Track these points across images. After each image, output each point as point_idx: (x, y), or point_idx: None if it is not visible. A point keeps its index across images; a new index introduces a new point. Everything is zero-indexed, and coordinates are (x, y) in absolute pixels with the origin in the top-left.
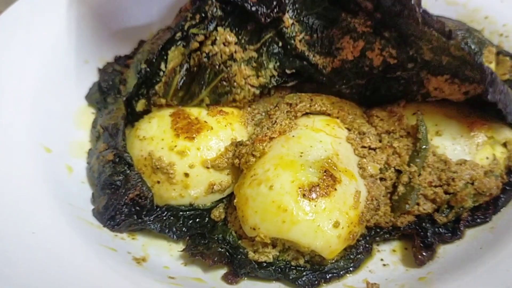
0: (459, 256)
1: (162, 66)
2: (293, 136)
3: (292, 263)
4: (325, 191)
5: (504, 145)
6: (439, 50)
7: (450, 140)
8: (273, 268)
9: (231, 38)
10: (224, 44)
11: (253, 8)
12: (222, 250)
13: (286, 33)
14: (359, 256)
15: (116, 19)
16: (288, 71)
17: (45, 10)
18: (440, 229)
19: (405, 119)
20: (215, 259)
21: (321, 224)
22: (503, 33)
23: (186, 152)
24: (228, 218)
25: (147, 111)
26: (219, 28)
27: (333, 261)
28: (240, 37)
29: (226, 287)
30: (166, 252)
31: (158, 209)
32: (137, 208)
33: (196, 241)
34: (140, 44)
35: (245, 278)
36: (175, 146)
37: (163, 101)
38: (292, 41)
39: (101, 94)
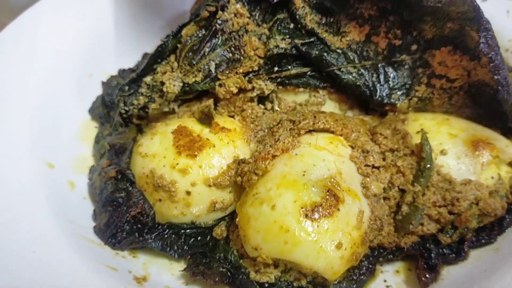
0: (463, 278)
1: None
2: (296, 154)
3: (294, 284)
4: (327, 211)
5: (510, 164)
6: (441, 20)
7: (455, 160)
8: None
9: (243, 11)
10: (235, 15)
11: None
12: (223, 269)
13: (297, 14)
14: (362, 277)
15: (119, 32)
16: (297, 41)
17: (49, 24)
18: (444, 249)
19: (409, 137)
20: (217, 279)
21: (323, 245)
22: (508, 48)
23: (188, 170)
24: (230, 236)
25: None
26: (232, 1)
27: (336, 282)
28: (253, 14)
29: None
30: (167, 271)
31: (160, 227)
32: (139, 226)
33: (198, 260)
34: (144, 57)
35: None
36: (177, 164)
37: (175, 64)
38: (303, 20)
39: (104, 108)
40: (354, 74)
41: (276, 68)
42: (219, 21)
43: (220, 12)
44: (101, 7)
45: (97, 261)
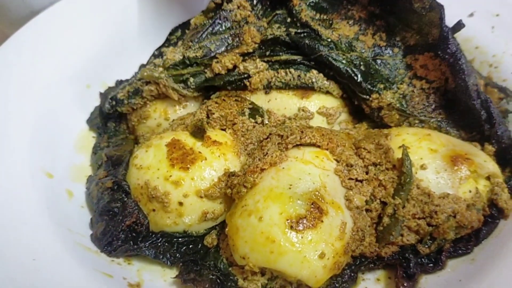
0: (440, 287)
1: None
2: (283, 168)
3: None
4: (312, 223)
5: (488, 178)
6: (425, 29)
7: (434, 174)
8: None
9: (246, 4)
10: (238, 7)
11: None
12: (213, 277)
13: (293, 9)
14: (344, 285)
15: (116, 44)
16: (291, 30)
17: (49, 36)
18: (422, 259)
19: (392, 152)
20: (206, 286)
21: (307, 255)
22: (492, 64)
23: (181, 182)
24: (220, 244)
25: None
26: None
27: None
28: (255, 8)
29: None
30: (160, 278)
31: (153, 235)
32: (133, 234)
33: (189, 267)
34: (140, 68)
35: None
36: (170, 176)
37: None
38: (298, 15)
39: (102, 119)
40: (344, 62)
41: (268, 52)
42: (224, 10)
43: (225, 4)
44: (98, 20)
45: (94, 268)
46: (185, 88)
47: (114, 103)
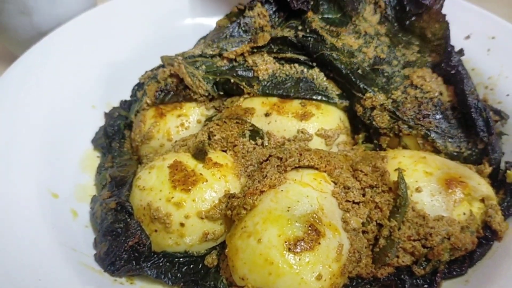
0: None
1: None
2: (282, 190)
3: None
4: (309, 245)
5: (482, 201)
6: (425, 51)
7: (429, 197)
8: None
9: (265, 13)
10: (258, 15)
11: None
12: None
13: (306, 20)
14: None
15: (121, 65)
16: (299, 33)
17: (55, 57)
18: (417, 280)
19: (388, 175)
20: None
21: (304, 277)
22: (488, 86)
23: (182, 203)
24: (221, 264)
25: None
26: (258, 4)
27: None
28: (272, 17)
29: None
30: None
31: (155, 255)
32: (136, 254)
33: (190, 287)
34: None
35: None
36: (172, 197)
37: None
38: (310, 24)
39: (106, 139)
40: (343, 61)
41: (276, 50)
42: (245, 17)
43: (247, 11)
44: (103, 42)
45: (97, 287)
46: (197, 69)
47: (136, 87)
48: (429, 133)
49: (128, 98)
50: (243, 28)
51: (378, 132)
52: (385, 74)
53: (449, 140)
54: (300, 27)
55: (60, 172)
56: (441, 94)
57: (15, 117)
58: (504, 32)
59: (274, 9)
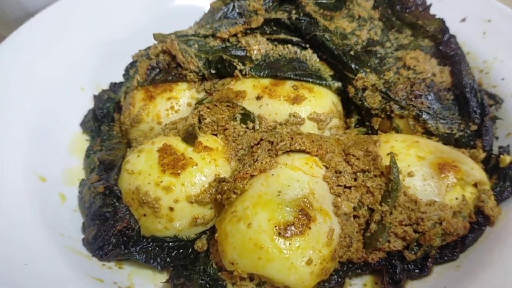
0: None
1: None
2: (273, 174)
3: None
4: (299, 229)
5: (475, 185)
6: (418, 37)
7: (421, 181)
8: None
9: None
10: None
11: None
12: (202, 282)
13: (301, 5)
14: None
15: (111, 46)
16: (293, 16)
17: (43, 38)
18: (409, 265)
19: (380, 159)
20: None
21: (294, 262)
22: (483, 70)
23: (171, 187)
24: (210, 249)
25: None
26: None
27: None
28: (266, 2)
29: None
30: (150, 282)
31: (144, 240)
32: (125, 239)
33: (179, 272)
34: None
35: None
36: (161, 181)
37: None
38: (303, 7)
39: (95, 122)
40: (336, 43)
41: (269, 31)
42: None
43: None
44: (93, 23)
45: (85, 272)
46: (189, 47)
47: (129, 66)
48: (420, 113)
49: (118, 81)
50: (237, 11)
51: (370, 113)
52: (378, 55)
53: (441, 121)
54: (293, 11)
55: (48, 156)
56: (434, 75)
57: (2, 98)
58: (500, 15)
59: None
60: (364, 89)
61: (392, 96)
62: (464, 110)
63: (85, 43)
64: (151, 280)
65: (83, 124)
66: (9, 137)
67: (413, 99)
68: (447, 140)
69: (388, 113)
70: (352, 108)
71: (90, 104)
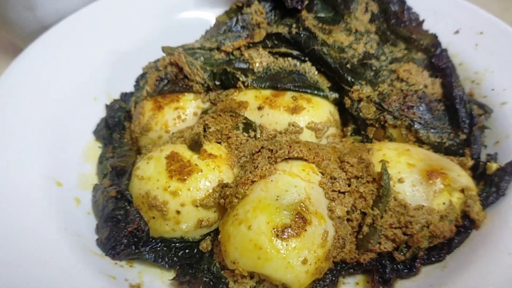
0: None
1: None
2: (272, 180)
3: None
4: (296, 231)
5: (462, 191)
6: (412, 50)
7: (411, 187)
8: None
9: (262, 11)
10: (256, 12)
11: None
12: (206, 279)
13: (301, 19)
14: None
15: (122, 58)
16: (293, 30)
17: (58, 50)
18: (398, 266)
19: (372, 166)
20: (200, 287)
21: (291, 261)
22: (474, 80)
23: (178, 192)
24: (214, 249)
25: None
26: (256, 1)
27: None
28: (268, 15)
29: None
30: (158, 279)
31: (153, 240)
32: (135, 239)
33: (185, 270)
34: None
35: None
36: (169, 186)
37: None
38: (303, 22)
39: (107, 130)
40: (333, 56)
41: (270, 45)
42: (243, 14)
43: (245, 7)
44: (105, 35)
45: (99, 270)
46: (196, 59)
47: (140, 77)
48: (412, 123)
49: (128, 91)
50: (241, 24)
51: (365, 123)
52: (373, 68)
53: (432, 130)
54: (294, 25)
55: (64, 162)
56: (425, 87)
57: (22, 109)
58: (492, 28)
59: (270, 7)
60: (360, 100)
61: (385, 107)
62: (453, 120)
63: (97, 55)
64: (159, 278)
65: (96, 132)
66: (29, 146)
67: (405, 110)
68: (438, 148)
69: (382, 123)
70: (349, 118)
71: (102, 113)
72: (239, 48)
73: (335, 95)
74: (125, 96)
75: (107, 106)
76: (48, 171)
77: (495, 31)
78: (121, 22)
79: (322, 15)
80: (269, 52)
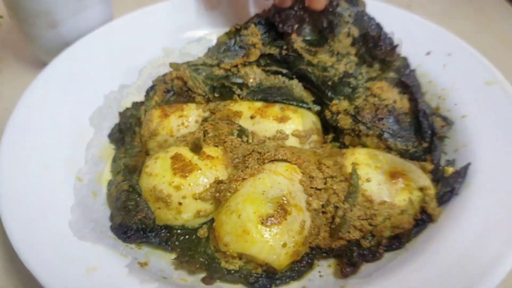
0: (374, 270)
1: None
2: (259, 178)
3: (253, 271)
4: (278, 220)
5: (420, 190)
6: (386, 70)
7: (376, 186)
8: (238, 274)
9: (257, 33)
10: (251, 34)
11: (277, 23)
12: (202, 259)
13: (290, 42)
14: (302, 268)
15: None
16: (283, 52)
17: (79, 66)
18: (364, 251)
19: (345, 168)
20: (197, 266)
21: (273, 244)
22: (441, 96)
23: (181, 187)
24: (210, 236)
25: None
26: (252, 24)
27: (283, 271)
28: (263, 37)
29: (203, 287)
30: (162, 259)
31: (159, 227)
32: (143, 226)
33: (184, 252)
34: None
35: (218, 281)
36: (173, 182)
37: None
38: (293, 44)
39: (120, 134)
40: (317, 75)
41: (263, 64)
42: (240, 35)
43: (243, 29)
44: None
45: (114, 250)
46: (198, 74)
47: (150, 88)
48: (382, 133)
49: (139, 100)
50: (238, 44)
51: (342, 132)
52: (351, 85)
53: (399, 139)
54: (284, 46)
55: (83, 161)
56: (395, 102)
57: (49, 116)
58: (459, 50)
59: (265, 29)
60: (338, 113)
61: (360, 119)
62: (417, 130)
63: (112, 68)
64: (163, 257)
65: (110, 136)
66: (56, 149)
67: (376, 121)
68: (404, 154)
69: (356, 132)
70: (329, 128)
71: (116, 120)
72: (236, 66)
73: (317, 108)
74: (136, 105)
75: (120, 113)
76: (71, 170)
77: (462, 53)
78: (134, 40)
79: (309, 38)
80: (262, 69)
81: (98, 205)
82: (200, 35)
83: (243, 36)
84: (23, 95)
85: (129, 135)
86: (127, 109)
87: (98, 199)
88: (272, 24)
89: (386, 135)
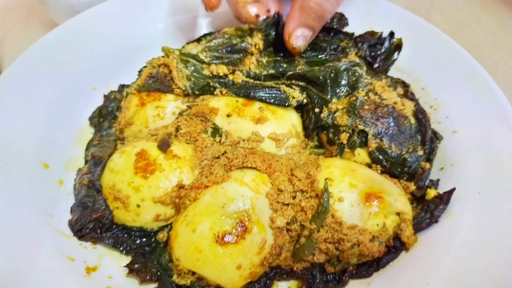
0: None
1: None
2: (222, 188)
3: None
4: (235, 239)
5: (397, 214)
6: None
7: (348, 207)
8: None
9: (260, 45)
10: (255, 45)
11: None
12: (154, 270)
13: (294, 63)
14: None
15: (123, 53)
16: (278, 57)
17: (62, 46)
18: (328, 277)
19: (316, 183)
20: (147, 277)
21: (226, 266)
22: (433, 106)
23: (140, 188)
24: (169, 241)
25: None
26: (258, 34)
27: None
28: (262, 50)
29: None
30: (116, 263)
31: (116, 227)
32: (100, 225)
33: (137, 259)
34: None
35: None
36: (132, 182)
37: None
38: (296, 66)
39: (100, 118)
40: (318, 69)
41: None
42: (245, 42)
43: (247, 36)
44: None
45: (60, 252)
46: (186, 68)
47: (143, 68)
48: (380, 132)
49: (126, 83)
50: (237, 48)
51: (338, 130)
52: (356, 74)
53: (395, 142)
54: (284, 65)
55: (55, 145)
56: (395, 103)
57: (18, 95)
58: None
59: (268, 43)
60: (336, 111)
61: (357, 114)
62: (414, 138)
63: (105, 47)
64: (117, 261)
65: (90, 119)
66: (23, 128)
67: (375, 119)
68: (396, 158)
69: (354, 128)
70: (313, 135)
71: (99, 102)
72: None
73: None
74: (122, 88)
75: (104, 96)
76: (37, 154)
77: (463, 64)
78: (133, 18)
79: (313, 60)
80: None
81: (62, 195)
82: (197, 19)
83: (245, 43)
84: (22, 54)
85: (108, 120)
86: (112, 92)
87: (64, 189)
88: (277, 43)
89: (383, 134)
